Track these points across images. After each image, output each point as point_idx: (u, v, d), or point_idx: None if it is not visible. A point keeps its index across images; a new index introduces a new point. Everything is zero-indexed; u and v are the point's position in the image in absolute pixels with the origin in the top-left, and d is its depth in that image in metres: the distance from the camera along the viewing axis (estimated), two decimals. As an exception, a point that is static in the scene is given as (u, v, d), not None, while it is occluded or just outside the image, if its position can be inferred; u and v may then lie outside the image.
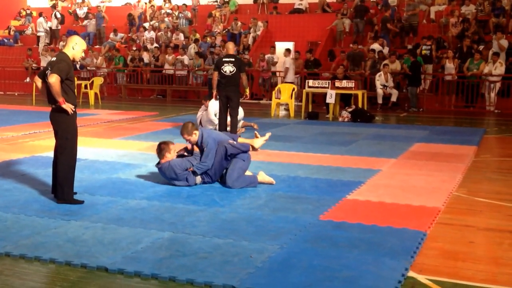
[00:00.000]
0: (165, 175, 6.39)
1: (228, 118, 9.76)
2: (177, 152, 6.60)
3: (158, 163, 6.47)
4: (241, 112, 10.60)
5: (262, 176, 6.52)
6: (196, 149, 6.64)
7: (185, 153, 6.69)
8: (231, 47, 9.94)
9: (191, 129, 6.46)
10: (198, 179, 6.45)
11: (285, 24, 20.87)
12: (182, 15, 22.60)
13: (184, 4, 22.97)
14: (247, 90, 10.07)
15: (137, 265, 4.01)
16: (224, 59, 9.64)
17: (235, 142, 6.57)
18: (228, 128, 9.60)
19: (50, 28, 23.64)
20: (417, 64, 15.76)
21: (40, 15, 24.41)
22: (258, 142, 6.92)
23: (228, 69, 9.47)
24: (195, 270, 3.92)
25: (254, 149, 6.83)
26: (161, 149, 6.44)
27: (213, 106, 10.31)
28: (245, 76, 9.74)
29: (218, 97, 9.66)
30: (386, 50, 17.35)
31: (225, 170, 6.49)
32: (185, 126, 6.50)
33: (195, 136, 6.47)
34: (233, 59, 9.62)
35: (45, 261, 4.14)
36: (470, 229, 5.00)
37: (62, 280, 3.83)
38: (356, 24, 19.27)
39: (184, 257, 4.18)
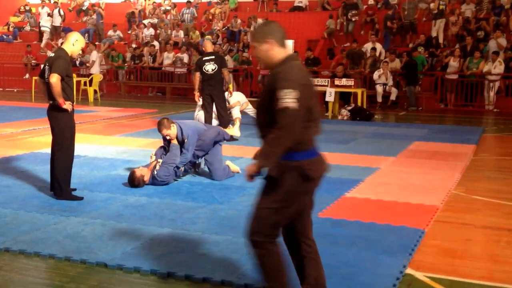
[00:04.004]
0: (160, 184, 6.31)
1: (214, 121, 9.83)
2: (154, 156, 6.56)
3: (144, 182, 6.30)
4: (240, 97, 10.80)
5: (231, 166, 6.92)
6: (175, 142, 6.53)
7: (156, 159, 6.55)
8: (209, 45, 9.76)
9: (168, 123, 6.40)
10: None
11: (285, 22, 20.80)
12: (187, 12, 22.47)
13: (188, 1, 22.89)
14: (231, 86, 10.01)
15: (136, 261, 4.03)
16: (204, 58, 9.48)
17: (224, 130, 7.06)
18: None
19: (51, 24, 23.57)
20: (413, 63, 15.73)
21: (43, 8, 24.34)
22: (237, 130, 7.73)
23: (209, 67, 9.34)
24: (193, 267, 3.94)
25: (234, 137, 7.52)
26: (135, 183, 6.19)
27: (237, 96, 10.67)
28: (227, 72, 9.60)
29: (202, 96, 9.54)
30: (378, 47, 17.38)
31: (205, 161, 6.74)
32: (161, 122, 6.41)
33: (173, 129, 6.41)
34: (213, 57, 9.50)
35: (45, 256, 4.16)
36: (468, 227, 5.03)
37: (61, 276, 3.85)
38: (347, 23, 19.29)
39: (183, 254, 4.19)
